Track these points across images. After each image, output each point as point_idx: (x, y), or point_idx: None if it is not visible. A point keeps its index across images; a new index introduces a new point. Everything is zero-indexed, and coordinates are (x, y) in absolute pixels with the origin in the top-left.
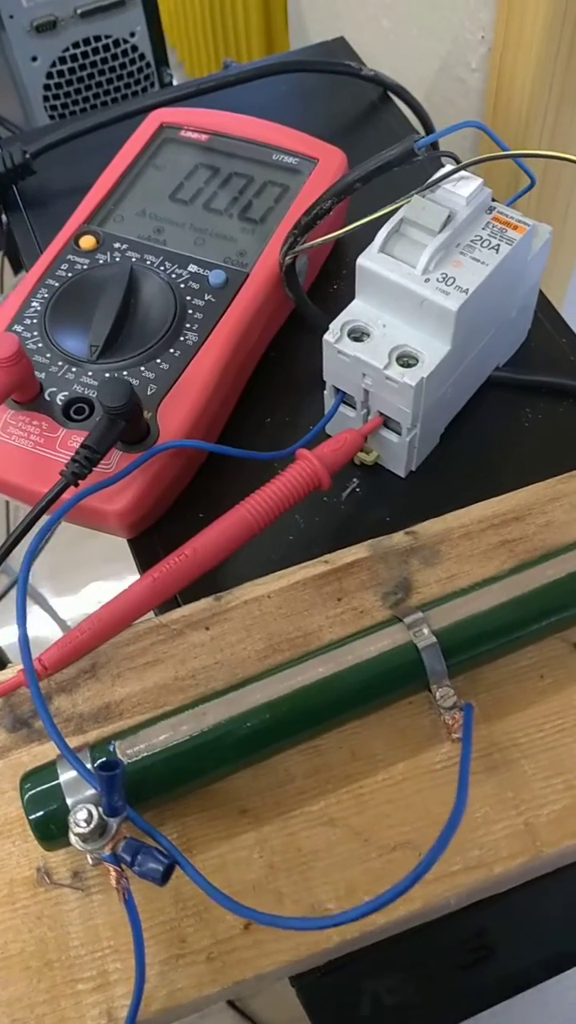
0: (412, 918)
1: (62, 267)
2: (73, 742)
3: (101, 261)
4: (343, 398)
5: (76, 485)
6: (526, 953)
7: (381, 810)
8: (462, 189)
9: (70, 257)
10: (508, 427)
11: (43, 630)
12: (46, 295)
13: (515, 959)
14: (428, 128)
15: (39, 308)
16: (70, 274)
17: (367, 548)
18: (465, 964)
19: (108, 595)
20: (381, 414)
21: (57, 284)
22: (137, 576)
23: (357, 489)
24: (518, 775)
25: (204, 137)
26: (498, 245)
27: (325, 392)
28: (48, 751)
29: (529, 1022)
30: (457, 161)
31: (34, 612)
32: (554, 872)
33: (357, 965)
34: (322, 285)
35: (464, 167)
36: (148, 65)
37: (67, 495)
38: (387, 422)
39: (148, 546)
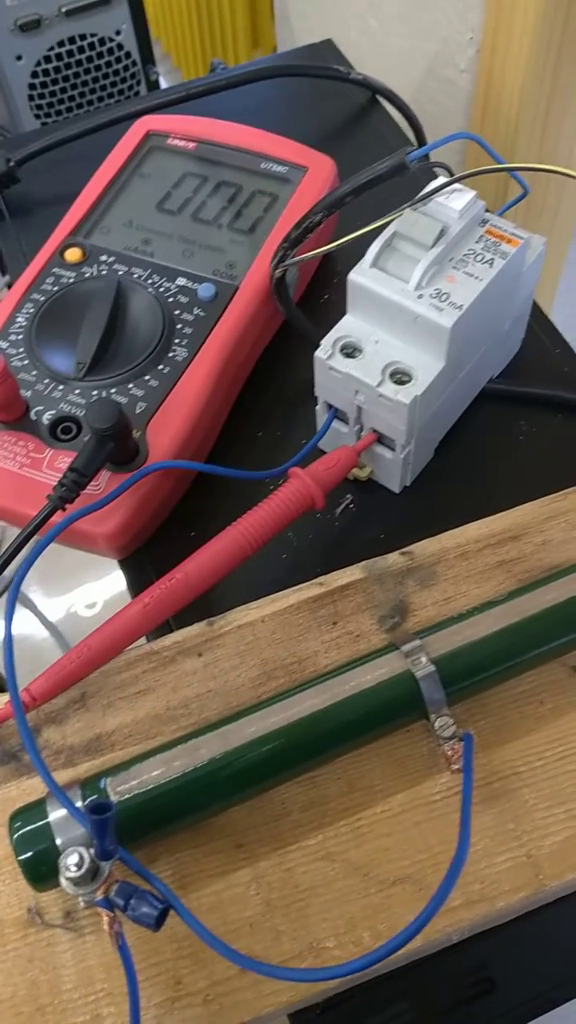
0: (412, 955)
1: (48, 281)
2: (64, 776)
3: (87, 275)
4: (336, 414)
5: (63, 509)
6: (528, 984)
7: (380, 843)
8: (455, 202)
9: (56, 271)
10: (503, 440)
11: (34, 633)
12: (32, 310)
13: (517, 991)
14: (417, 131)
15: (24, 324)
16: (56, 288)
17: (362, 569)
18: (468, 997)
19: (96, 598)
20: (375, 430)
21: (43, 299)
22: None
23: (351, 505)
24: (519, 805)
25: (192, 145)
26: (492, 259)
27: (317, 408)
28: (38, 785)
29: None
30: (450, 172)
31: (24, 615)
32: (555, 901)
33: (357, 1001)
34: (313, 295)
35: (458, 179)
36: (134, 63)
37: (56, 518)
38: (381, 438)
39: (139, 566)
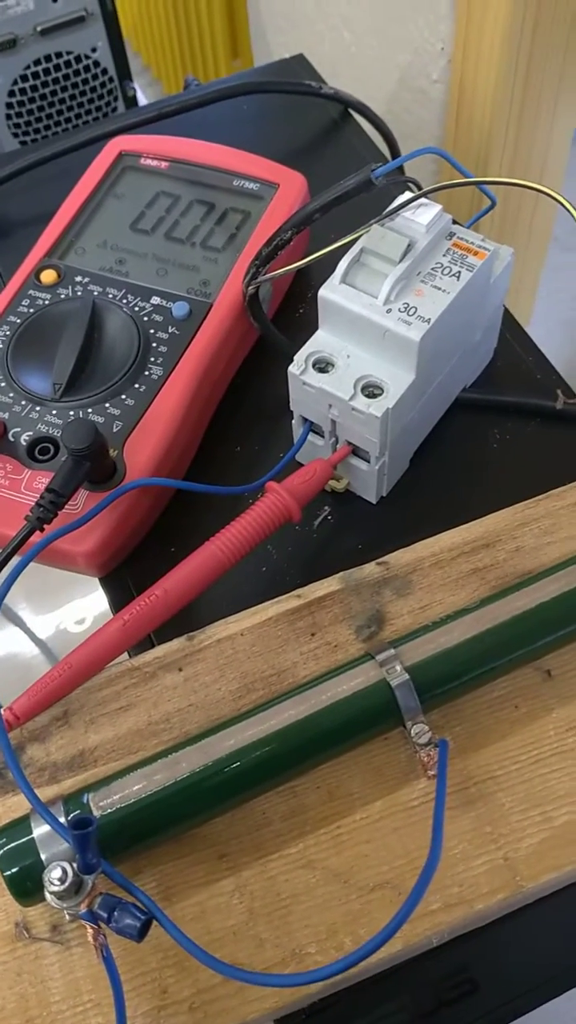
0: (393, 959)
1: (23, 303)
2: (47, 792)
3: (63, 296)
4: (311, 427)
5: (42, 530)
6: (510, 985)
7: (359, 850)
8: (421, 217)
9: (31, 292)
10: (477, 449)
11: (23, 651)
12: (8, 332)
13: (499, 992)
14: (390, 143)
15: (1, 346)
16: (32, 310)
17: (339, 580)
18: (450, 999)
19: (85, 614)
20: (349, 443)
21: (19, 321)
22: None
23: (329, 517)
24: (495, 808)
25: (164, 165)
26: (459, 272)
27: (293, 422)
28: (23, 802)
29: None
30: (417, 187)
31: (12, 633)
32: (535, 902)
33: (342, 1006)
34: (287, 309)
35: (423, 195)
36: (111, 80)
37: (35, 538)
38: (356, 450)
39: (120, 583)
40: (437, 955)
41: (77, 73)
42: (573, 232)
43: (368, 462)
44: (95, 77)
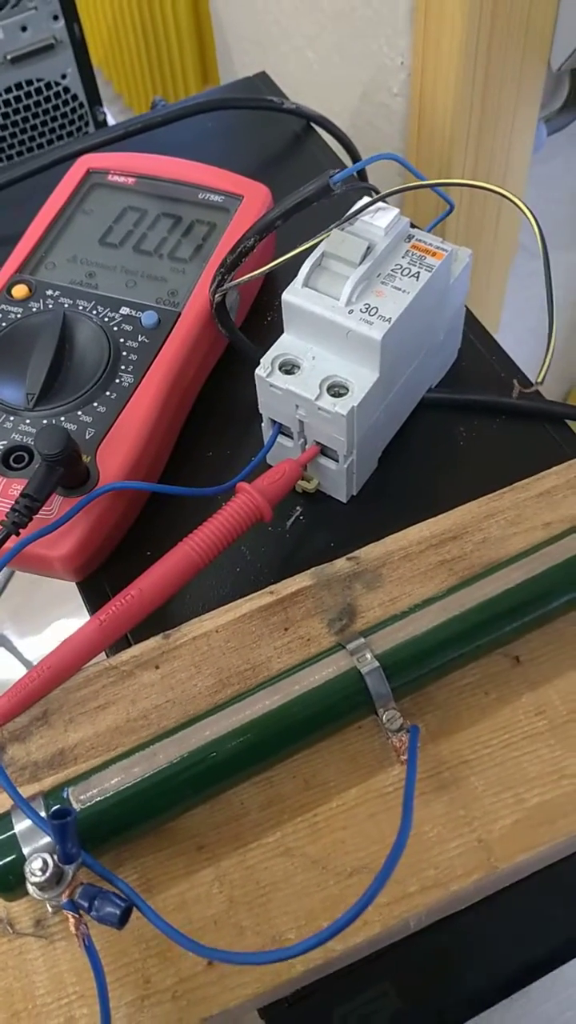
0: (373, 942)
1: None
2: (28, 790)
3: (34, 309)
4: (280, 429)
5: (17, 534)
6: (491, 969)
7: (336, 837)
8: (379, 220)
9: (3, 307)
10: (444, 446)
11: (11, 674)
12: None
13: (480, 975)
14: (353, 155)
15: None
16: (3, 324)
17: (311, 576)
18: (431, 983)
19: (68, 625)
20: (318, 443)
21: None
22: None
23: (301, 517)
24: (468, 792)
25: (131, 180)
26: (418, 272)
27: (263, 424)
28: (4, 801)
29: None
30: (375, 192)
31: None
32: (512, 885)
33: (324, 994)
34: (256, 318)
35: (380, 199)
36: (81, 105)
37: (10, 543)
38: (324, 450)
39: (96, 588)
40: (418, 941)
41: (48, 99)
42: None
43: (337, 461)
44: (66, 103)
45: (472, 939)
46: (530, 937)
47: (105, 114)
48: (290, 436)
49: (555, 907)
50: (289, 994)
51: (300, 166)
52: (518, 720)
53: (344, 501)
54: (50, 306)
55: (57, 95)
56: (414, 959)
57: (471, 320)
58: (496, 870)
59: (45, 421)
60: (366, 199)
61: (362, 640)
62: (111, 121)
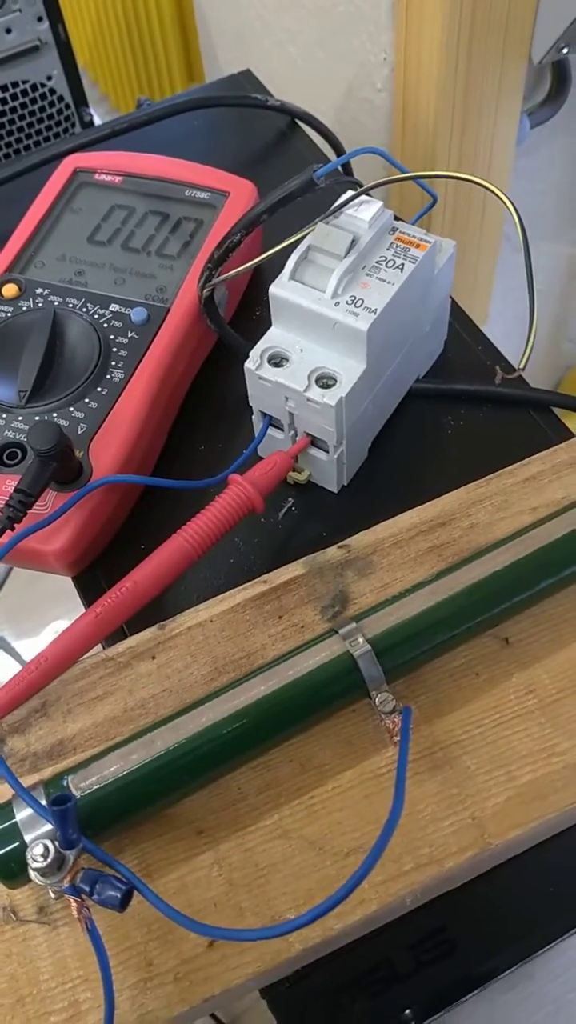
0: (370, 920)
1: None
2: (28, 781)
3: (24, 308)
4: (270, 421)
5: (12, 529)
6: (488, 945)
7: (333, 818)
8: (363, 213)
9: None
10: (432, 436)
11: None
12: None
13: (477, 952)
14: (337, 151)
15: None
16: None
17: (303, 565)
18: (429, 960)
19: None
20: (308, 434)
21: None
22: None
23: (293, 508)
24: (461, 771)
25: (118, 179)
26: (402, 264)
27: (253, 417)
28: (4, 792)
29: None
30: (359, 186)
31: None
32: (507, 862)
33: (323, 974)
34: (244, 313)
35: (364, 192)
36: (68, 107)
37: (4, 539)
38: (315, 441)
39: (91, 581)
40: (414, 918)
41: (34, 101)
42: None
43: (327, 452)
44: (52, 104)
45: (469, 916)
46: (526, 913)
47: (92, 115)
48: (280, 428)
49: (550, 885)
50: (289, 974)
51: (285, 162)
52: (508, 700)
53: (335, 491)
54: (40, 304)
55: (43, 96)
56: (411, 937)
57: (457, 311)
58: (490, 846)
59: (37, 418)
60: (350, 192)
61: (354, 625)
62: (98, 122)
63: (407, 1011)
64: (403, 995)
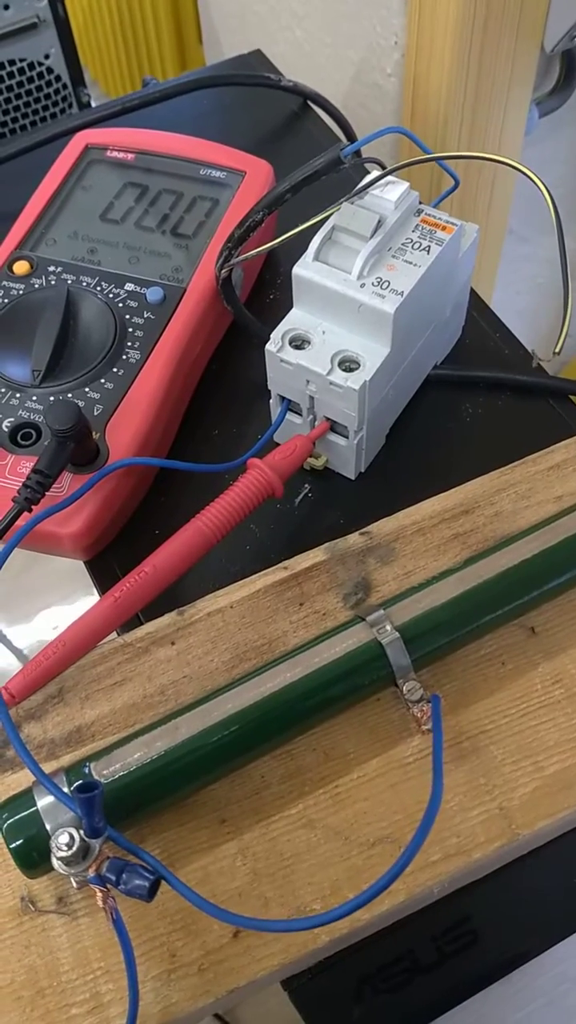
0: (397, 911)
1: None
2: (47, 768)
3: (36, 285)
4: (289, 405)
5: (30, 511)
6: (509, 936)
7: (358, 807)
8: (390, 194)
9: (4, 283)
10: (450, 423)
11: (16, 636)
12: None
13: (499, 942)
14: (349, 134)
15: None
16: (6, 300)
17: (324, 551)
18: (452, 951)
19: (61, 620)
20: (327, 419)
21: None
22: (92, 597)
23: (309, 494)
24: (488, 761)
25: (130, 156)
26: (428, 246)
27: (271, 401)
28: (23, 779)
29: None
30: (382, 167)
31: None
32: (531, 852)
33: (345, 965)
34: (259, 295)
35: (391, 172)
36: (65, 86)
37: (21, 522)
38: (334, 426)
39: (105, 566)
40: (437, 909)
41: (31, 80)
42: (528, 223)
43: (346, 438)
44: (49, 84)
45: (491, 906)
46: (548, 903)
47: (89, 95)
48: (299, 413)
49: (571, 875)
50: (310, 966)
51: (298, 144)
52: (535, 689)
53: (352, 478)
54: (52, 282)
55: (40, 75)
56: (434, 927)
57: (474, 297)
58: (518, 837)
59: (52, 398)
60: (375, 172)
61: (382, 612)
62: (94, 104)
63: (425, 1005)
64: (428, 985)
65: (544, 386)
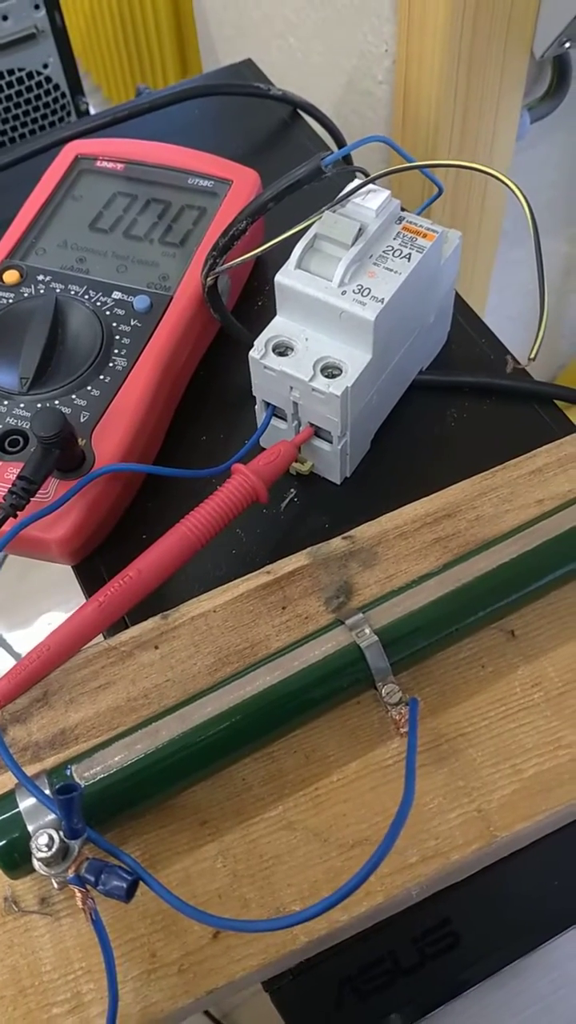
0: (376, 912)
1: None
2: (30, 770)
3: (26, 294)
4: (274, 411)
5: (15, 516)
6: (491, 937)
7: (337, 810)
8: (371, 202)
9: None
10: (435, 428)
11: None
12: None
13: (481, 944)
14: (339, 141)
15: None
16: None
17: (307, 556)
18: (433, 953)
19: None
20: (311, 424)
21: None
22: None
23: (295, 499)
24: (467, 763)
25: (120, 166)
26: (409, 254)
27: (256, 407)
28: (6, 782)
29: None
30: (366, 175)
31: None
32: (511, 855)
33: (327, 966)
34: (246, 303)
35: (371, 181)
36: (63, 95)
37: (7, 527)
38: (318, 432)
39: (92, 571)
40: (419, 911)
41: (30, 89)
42: (523, 228)
43: (331, 443)
44: (47, 93)
45: (473, 908)
46: (530, 905)
47: (87, 104)
48: (284, 418)
49: (552, 878)
50: (292, 967)
51: (287, 152)
52: (514, 692)
53: (337, 483)
54: (42, 291)
55: (39, 85)
56: (415, 929)
57: (460, 303)
58: (496, 839)
59: (39, 405)
60: (357, 181)
61: (360, 615)
62: (93, 112)
63: (406, 1006)
64: (405, 988)
65: (529, 391)
